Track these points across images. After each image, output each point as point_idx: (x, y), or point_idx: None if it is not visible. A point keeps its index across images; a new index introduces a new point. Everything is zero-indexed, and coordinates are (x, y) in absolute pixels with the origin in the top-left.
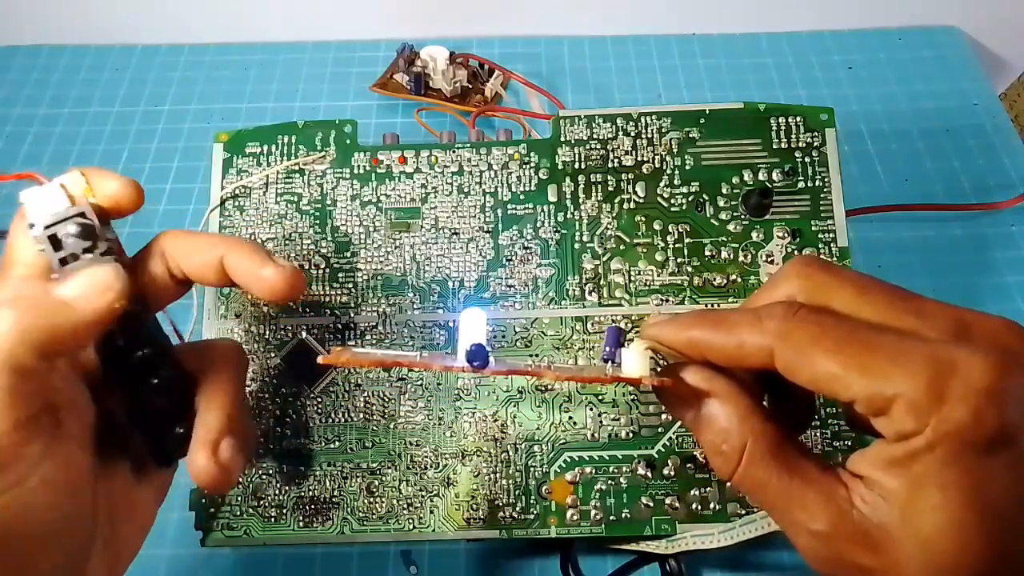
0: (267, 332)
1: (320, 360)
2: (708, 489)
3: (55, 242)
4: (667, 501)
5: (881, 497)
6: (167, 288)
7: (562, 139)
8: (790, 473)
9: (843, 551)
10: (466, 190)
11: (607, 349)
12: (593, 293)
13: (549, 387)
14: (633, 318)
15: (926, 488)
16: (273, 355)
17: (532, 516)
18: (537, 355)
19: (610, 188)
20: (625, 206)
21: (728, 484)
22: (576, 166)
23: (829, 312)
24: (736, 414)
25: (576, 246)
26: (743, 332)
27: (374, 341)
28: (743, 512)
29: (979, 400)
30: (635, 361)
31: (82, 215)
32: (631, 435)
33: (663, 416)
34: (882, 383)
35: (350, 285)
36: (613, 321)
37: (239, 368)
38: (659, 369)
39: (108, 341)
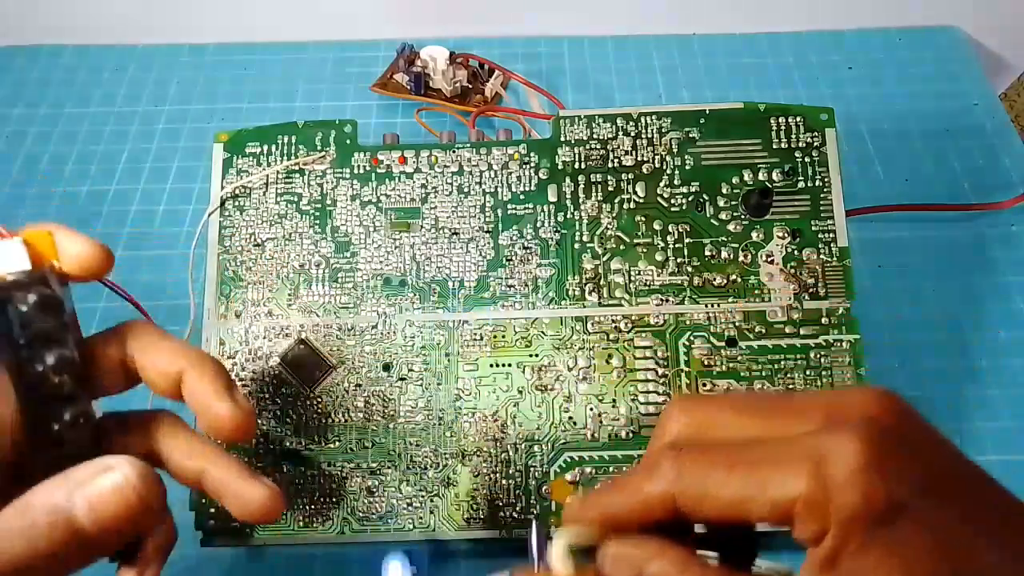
0: (267, 332)
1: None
2: None
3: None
4: None
5: None
6: (115, 377)
7: (562, 139)
8: None
9: None
10: (466, 190)
11: (533, 550)
12: (593, 293)
13: (549, 387)
14: (633, 318)
15: None
16: (273, 355)
17: (532, 516)
18: (537, 355)
19: (610, 188)
20: (625, 206)
21: None
22: (576, 166)
23: (711, 443)
24: (673, 569)
25: (576, 246)
26: (642, 487)
27: (373, 341)
28: None
29: (860, 479)
30: (559, 559)
31: (44, 282)
32: (631, 435)
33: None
34: (776, 491)
35: (350, 285)
36: (613, 321)
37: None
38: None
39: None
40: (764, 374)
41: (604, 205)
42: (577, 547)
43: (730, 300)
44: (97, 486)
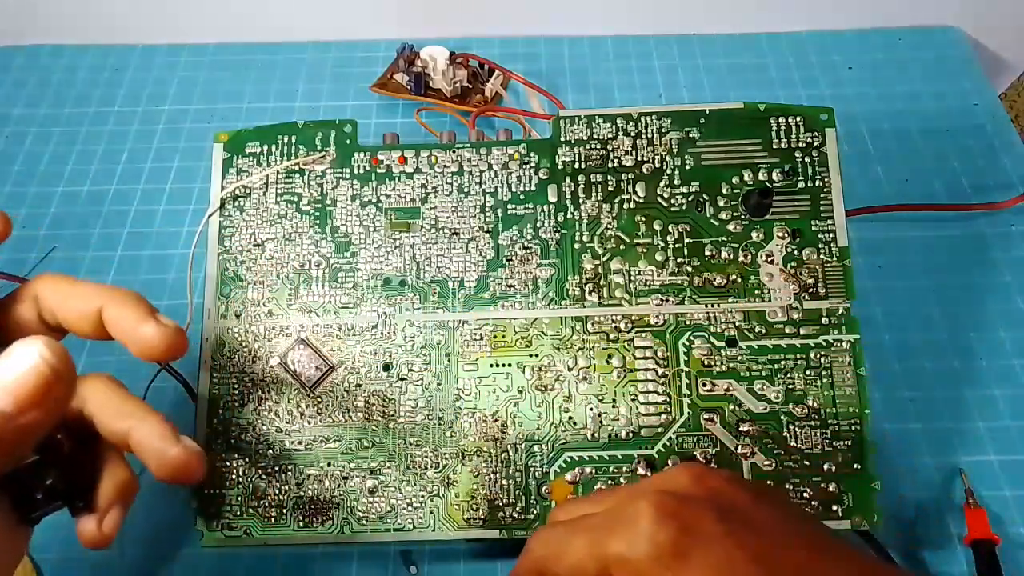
0: (267, 332)
1: None
2: None
3: None
4: None
5: None
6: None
7: (562, 139)
8: None
9: None
10: (466, 190)
11: None
12: (593, 293)
13: (549, 387)
14: (633, 318)
15: None
16: (273, 355)
17: (532, 516)
18: (537, 355)
19: (610, 188)
20: (625, 206)
21: None
22: (576, 166)
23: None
24: None
25: (576, 246)
26: (580, 561)
27: (374, 341)
28: None
29: (649, 531)
30: None
31: None
32: (631, 435)
33: (663, 416)
34: (606, 550)
35: (350, 285)
36: (613, 321)
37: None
38: None
39: None
40: (764, 374)
41: (604, 205)
42: None
43: (730, 300)
44: (8, 365)
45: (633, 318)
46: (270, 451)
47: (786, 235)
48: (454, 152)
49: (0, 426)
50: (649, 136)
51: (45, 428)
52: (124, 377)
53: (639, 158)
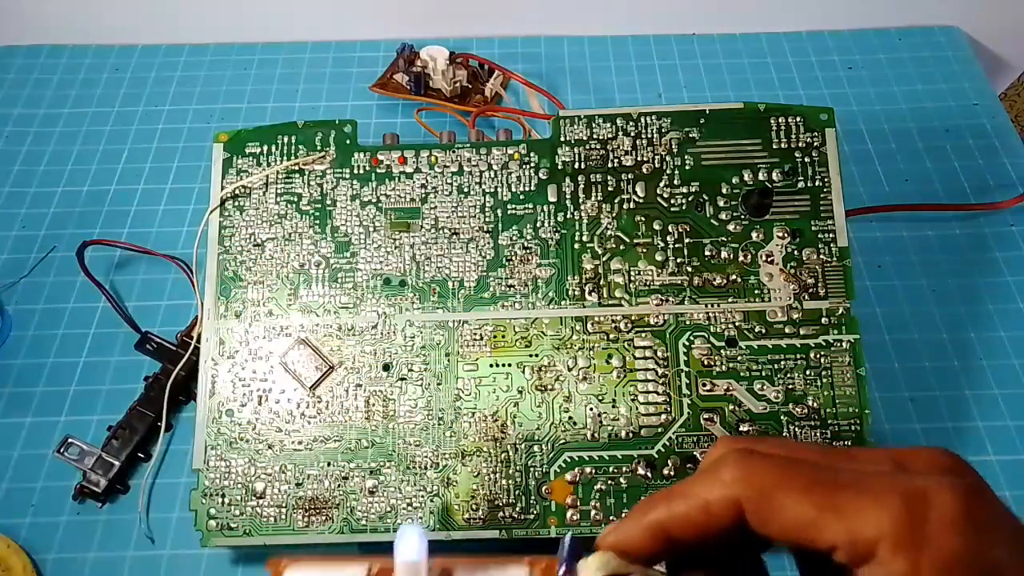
0: (267, 332)
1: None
2: None
3: None
4: None
5: None
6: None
7: (562, 139)
8: None
9: None
10: (466, 190)
11: (564, 564)
12: (593, 293)
13: (549, 387)
14: (633, 318)
15: None
16: (273, 355)
17: (532, 516)
18: (537, 355)
19: (610, 188)
20: (625, 206)
21: None
22: (576, 166)
23: (780, 455)
24: None
25: (576, 246)
26: (703, 492)
27: (373, 341)
28: None
29: (963, 528)
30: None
31: None
32: (631, 435)
33: (663, 416)
34: (861, 523)
35: (350, 285)
36: (613, 321)
37: None
38: None
39: None
40: (764, 374)
41: (604, 205)
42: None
43: (730, 300)
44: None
45: (633, 318)
46: (270, 451)
47: (786, 235)
48: (454, 152)
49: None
50: (649, 136)
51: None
52: (123, 377)
53: (639, 158)
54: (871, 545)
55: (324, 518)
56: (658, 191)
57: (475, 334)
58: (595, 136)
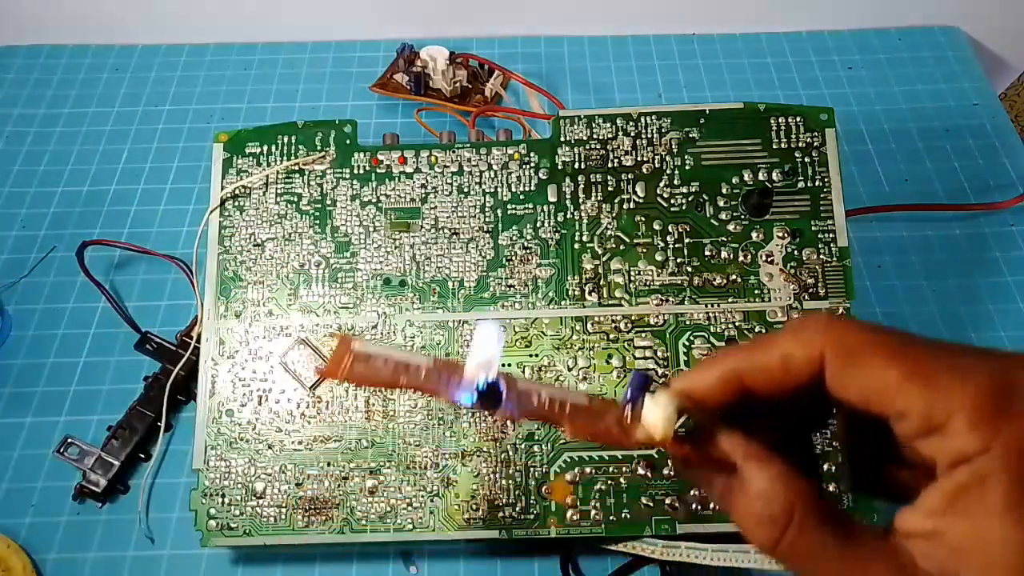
0: (267, 332)
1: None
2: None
3: None
4: (667, 501)
5: (949, 549)
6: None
7: (562, 139)
8: (845, 537)
9: None
10: (466, 190)
11: (629, 394)
12: (593, 293)
13: None
14: (633, 318)
15: (1004, 519)
16: (273, 355)
17: (532, 516)
18: (537, 355)
19: (610, 188)
20: (625, 206)
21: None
22: (576, 166)
23: (869, 324)
24: (779, 476)
25: (576, 246)
26: (786, 346)
27: (374, 341)
28: None
29: None
30: (658, 416)
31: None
32: None
33: None
34: (942, 395)
35: (350, 285)
36: (613, 321)
37: None
38: (683, 431)
39: None
40: None
41: (604, 205)
42: (681, 413)
43: (730, 300)
44: None
45: (633, 318)
46: (270, 451)
47: (786, 235)
48: (454, 152)
49: None
50: (649, 136)
51: None
52: (123, 377)
53: (639, 158)
54: (946, 416)
55: (324, 518)
56: (658, 191)
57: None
58: (595, 136)
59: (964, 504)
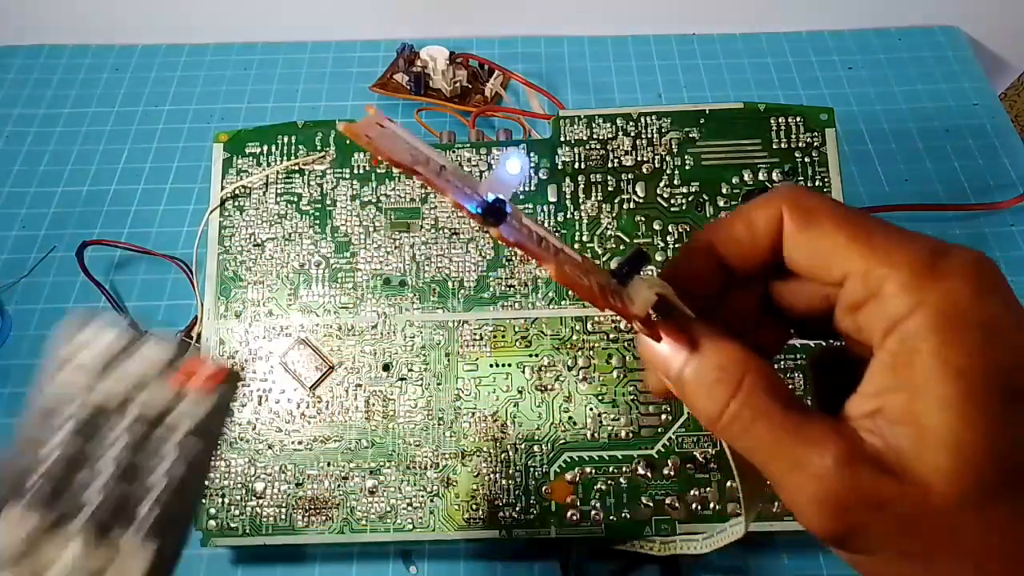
0: (267, 332)
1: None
2: (708, 489)
3: None
4: (667, 501)
5: (888, 421)
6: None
7: (562, 139)
8: (791, 408)
9: (856, 482)
10: None
11: (623, 268)
12: None
13: (549, 387)
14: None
15: (937, 382)
16: (273, 355)
17: (532, 516)
18: (537, 355)
19: (610, 188)
20: (625, 206)
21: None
22: (576, 166)
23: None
24: (735, 349)
25: (576, 246)
26: (750, 209)
27: (373, 341)
28: (742, 512)
29: (975, 279)
30: (640, 296)
31: None
32: (631, 435)
33: (663, 416)
34: (880, 256)
35: (350, 285)
36: (613, 321)
37: None
38: (655, 316)
39: None
40: None
41: (604, 205)
42: (660, 300)
43: None
44: None
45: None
46: (270, 451)
47: None
48: (454, 152)
49: None
50: (649, 136)
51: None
52: None
53: (639, 158)
54: (882, 279)
55: (324, 518)
56: (658, 191)
57: (475, 334)
58: (595, 136)
59: (898, 373)
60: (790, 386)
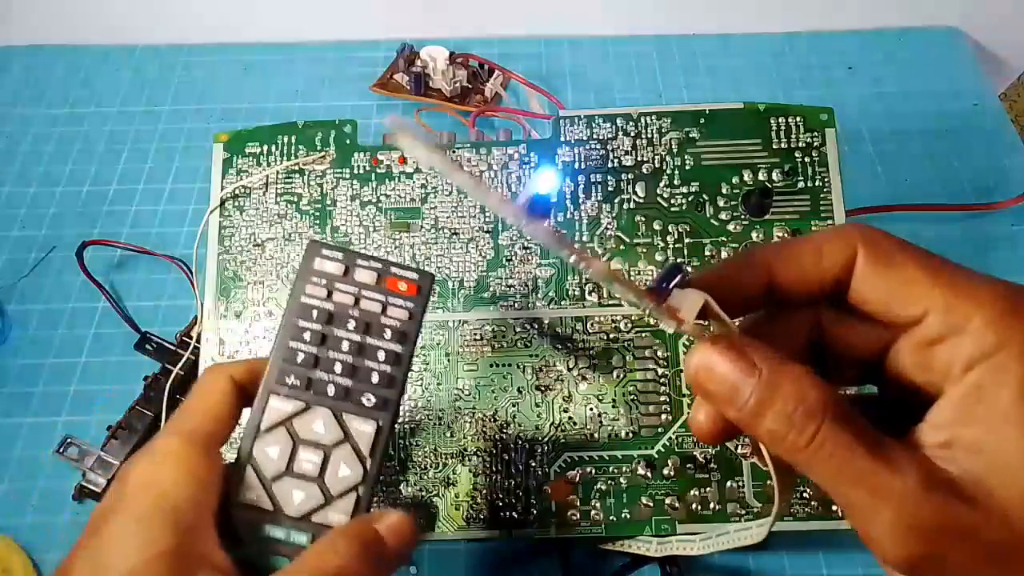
0: (267, 332)
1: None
2: (708, 489)
3: None
4: (667, 501)
5: (966, 451)
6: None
7: (562, 139)
8: (868, 434)
9: (941, 508)
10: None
11: (662, 283)
12: (593, 293)
13: (549, 387)
14: (633, 318)
15: (1021, 415)
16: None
17: (532, 516)
18: (537, 355)
19: (610, 188)
20: (625, 206)
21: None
22: (576, 166)
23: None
24: (807, 375)
25: (576, 246)
26: (823, 240)
27: None
28: (743, 512)
29: None
30: (687, 305)
31: None
32: (631, 435)
33: (663, 416)
34: (962, 296)
35: None
36: (613, 321)
37: None
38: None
39: None
40: None
41: (604, 205)
42: (708, 306)
43: None
44: (390, 518)
45: (633, 318)
46: None
47: (786, 235)
48: (454, 152)
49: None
50: (649, 136)
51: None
52: (123, 377)
53: (639, 158)
54: (967, 316)
55: None
56: (658, 191)
57: (475, 334)
58: (595, 136)
59: (979, 405)
60: None
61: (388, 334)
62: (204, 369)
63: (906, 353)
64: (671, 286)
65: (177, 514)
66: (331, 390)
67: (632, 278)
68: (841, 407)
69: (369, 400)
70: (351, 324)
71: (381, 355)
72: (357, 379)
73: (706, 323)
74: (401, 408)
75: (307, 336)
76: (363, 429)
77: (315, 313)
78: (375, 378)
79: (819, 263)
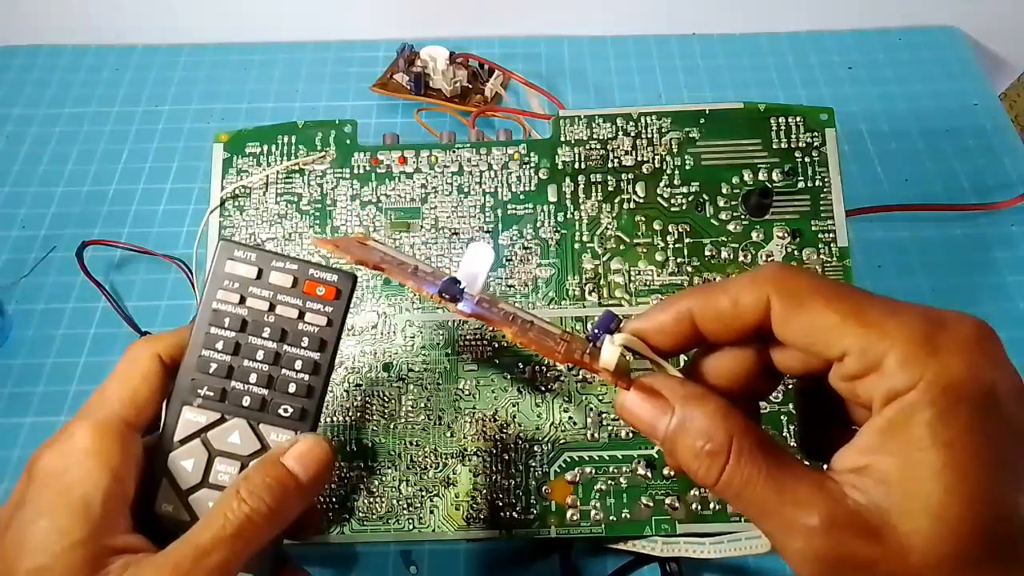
0: None
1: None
2: (708, 489)
3: None
4: (667, 501)
5: (875, 480)
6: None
7: (562, 139)
8: (779, 467)
9: (841, 544)
10: (466, 190)
11: (595, 331)
12: (593, 293)
13: (549, 387)
14: (632, 318)
15: (927, 452)
16: None
17: (532, 516)
18: (537, 355)
19: (610, 188)
20: (625, 206)
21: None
22: (576, 166)
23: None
24: (717, 412)
25: (576, 246)
26: (737, 288)
27: (373, 341)
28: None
29: (972, 352)
30: (608, 352)
31: None
32: (631, 435)
33: None
34: (876, 334)
35: None
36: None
37: None
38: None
39: None
40: None
41: (604, 205)
42: (631, 351)
43: None
44: (300, 445)
45: (633, 318)
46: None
47: (786, 235)
48: (454, 152)
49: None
50: (649, 136)
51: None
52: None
53: (639, 158)
54: (881, 355)
55: (324, 518)
56: (658, 191)
57: (475, 334)
58: (595, 136)
59: (891, 439)
60: (791, 386)
61: (306, 342)
62: (129, 346)
63: (837, 380)
64: (602, 334)
65: (87, 504)
66: (247, 401)
67: (619, 286)
68: (752, 440)
69: (287, 411)
70: (266, 331)
71: (299, 364)
72: (274, 389)
73: (633, 362)
74: (321, 417)
75: (220, 345)
76: (281, 440)
77: (228, 320)
78: (292, 388)
79: (738, 312)
